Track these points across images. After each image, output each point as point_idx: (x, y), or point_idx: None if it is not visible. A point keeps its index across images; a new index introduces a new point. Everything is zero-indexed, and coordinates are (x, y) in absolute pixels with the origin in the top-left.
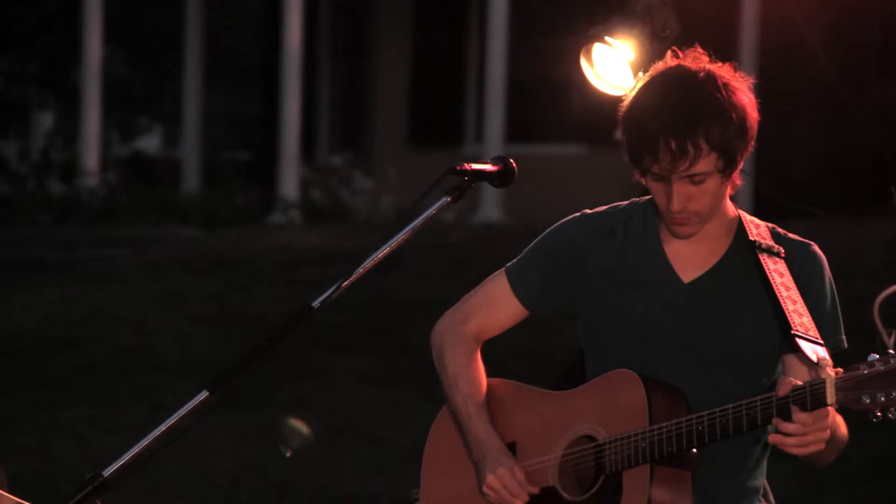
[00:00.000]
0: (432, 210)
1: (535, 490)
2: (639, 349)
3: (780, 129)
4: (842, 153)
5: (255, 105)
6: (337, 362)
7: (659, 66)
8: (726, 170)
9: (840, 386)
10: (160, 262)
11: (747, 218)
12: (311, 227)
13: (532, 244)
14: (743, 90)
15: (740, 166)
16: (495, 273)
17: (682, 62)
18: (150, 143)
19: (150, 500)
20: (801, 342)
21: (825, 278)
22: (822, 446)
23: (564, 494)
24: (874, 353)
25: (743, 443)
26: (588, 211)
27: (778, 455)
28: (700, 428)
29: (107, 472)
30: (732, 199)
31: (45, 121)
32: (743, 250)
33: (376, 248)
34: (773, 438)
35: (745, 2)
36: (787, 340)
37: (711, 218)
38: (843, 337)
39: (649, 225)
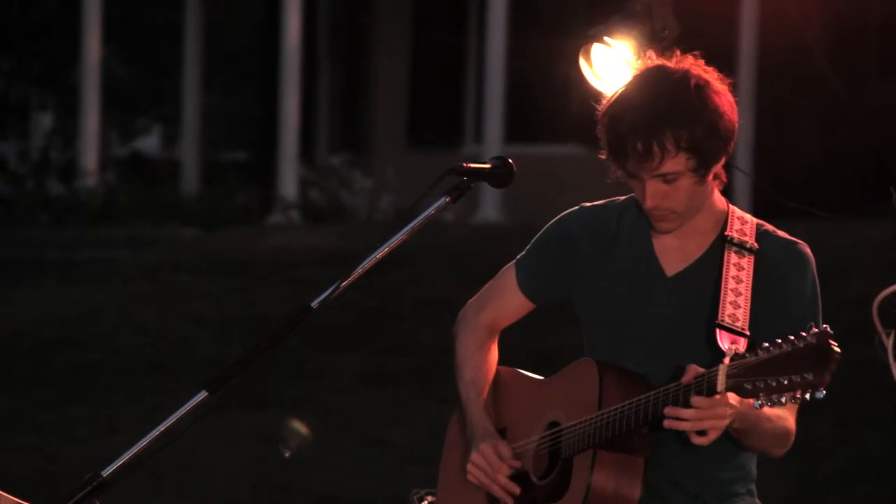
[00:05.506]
0: (431, 210)
1: (517, 464)
2: (621, 340)
3: (780, 129)
4: (841, 153)
5: (254, 105)
6: (337, 362)
7: (640, 66)
8: (699, 169)
9: (730, 374)
10: (160, 262)
11: (737, 213)
12: (310, 227)
13: (535, 236)
14: (720, 92)
15: (719, 165)
16: (509, 263)
17: (663, 63)
18: (149, 143)
19: (149, 500)
20: (719, 331)
21: (805, 275)
22: (718, 431)
23: (533, 478)
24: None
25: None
26: (587, 204)
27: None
28: (629, 413)
29: (106, 472)
30: (732, 197)
31: (45, 121)
32: (722, 246)
33: (375, 248)
34: (667, 423)
35: (745, 2)
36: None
37: (690, 214)
38: (819, 321)
39: (642, 219)
